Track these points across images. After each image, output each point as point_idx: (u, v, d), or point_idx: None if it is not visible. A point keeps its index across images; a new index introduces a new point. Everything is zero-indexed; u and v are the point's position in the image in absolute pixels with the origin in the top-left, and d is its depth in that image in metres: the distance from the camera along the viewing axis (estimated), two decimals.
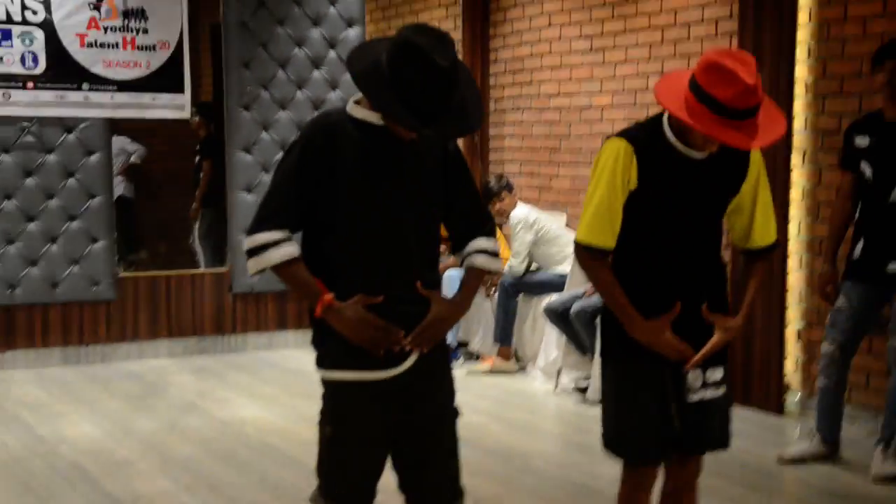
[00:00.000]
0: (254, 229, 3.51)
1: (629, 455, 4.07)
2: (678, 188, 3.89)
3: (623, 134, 3.93)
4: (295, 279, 3.54)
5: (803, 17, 7.62)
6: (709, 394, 4.01)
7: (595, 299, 8.00)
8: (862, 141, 6.39)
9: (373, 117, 3.51)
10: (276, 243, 3.45)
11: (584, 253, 3.91)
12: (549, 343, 8.55)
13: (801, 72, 7.63)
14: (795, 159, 7.61)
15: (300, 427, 7.30)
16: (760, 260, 4.11)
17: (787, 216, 7.27)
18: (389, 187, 3.55)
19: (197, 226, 11.79)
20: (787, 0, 7.59)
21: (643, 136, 3.90)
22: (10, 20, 8.75)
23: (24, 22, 8.79)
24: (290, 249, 3.46)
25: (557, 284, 8.75)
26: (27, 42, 8.83)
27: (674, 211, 3.93)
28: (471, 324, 9.72)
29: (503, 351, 9.09)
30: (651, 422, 3.96)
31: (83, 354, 9.29)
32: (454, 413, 3.82)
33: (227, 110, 9.75)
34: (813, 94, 7.62)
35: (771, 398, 7.71)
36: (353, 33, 10.03)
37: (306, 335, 9.08)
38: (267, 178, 9.35)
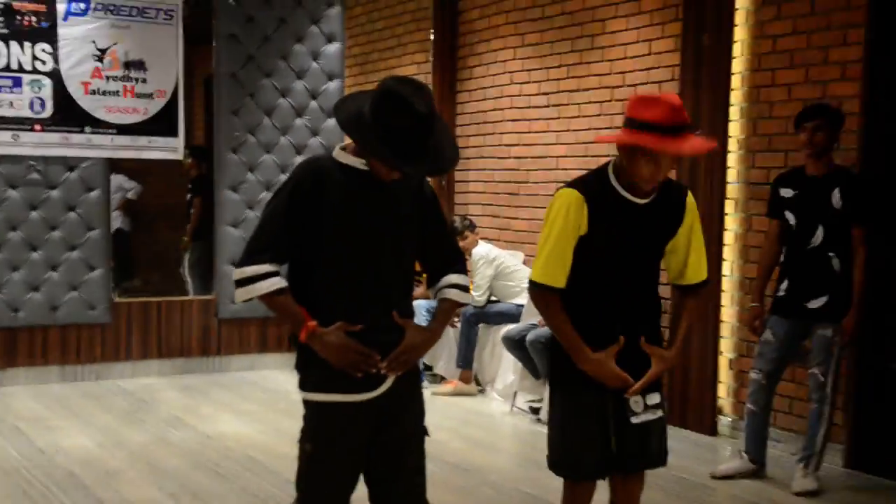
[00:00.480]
0: (244, 262, 3.51)
1: (573, 474, 4.08)
2: (623, 231, 3.92)
3: (574, 184, 3.96)
4: (281, 308, 3.52)
5: (736, 81, 7.77)
6: (648, 416, 4.01)
7: (548, 329, 8.07)
8: (786, 192, 6.53)
9: (357, 162, 3.53)
10: (264, 275, 3.45)
11: (537, 291, 3.95)
12: (506, 368, 8.62)
13: (735, 130, 7.77)
14: (728, 208, 7.75)
15: (279, 441, 7.35)
16: (692, 295, 4.16)
17: (720, 258, 7.40)
18: (370, 226, 3.57)
19: (187, 257, 11.78)
20: (723, 66, 7.73)
21: (592, 185, 3.93)
22: (21, 69, 8.82)
23: (35, 71, 8.87)
24: (277, 280, 3.46)
25: (514, 315, 8.79)
26: (36, 89, 8.89)
27: (619, 251, 3.95)
28: (436, 349, 9.36)
29: (464, 375, 9.09)
30: (594, 444, 3.97)
31: (79, 373, 9.29)
32: (422, 433, 3.81)
33: (217, 153, 9.80)
34: (745, 150, 7.74)
35: (705, 421, 7.74)
36: (333, 86, 10.11)
37: (285, 357, 9.30)
38: (252, 215, 9.77)
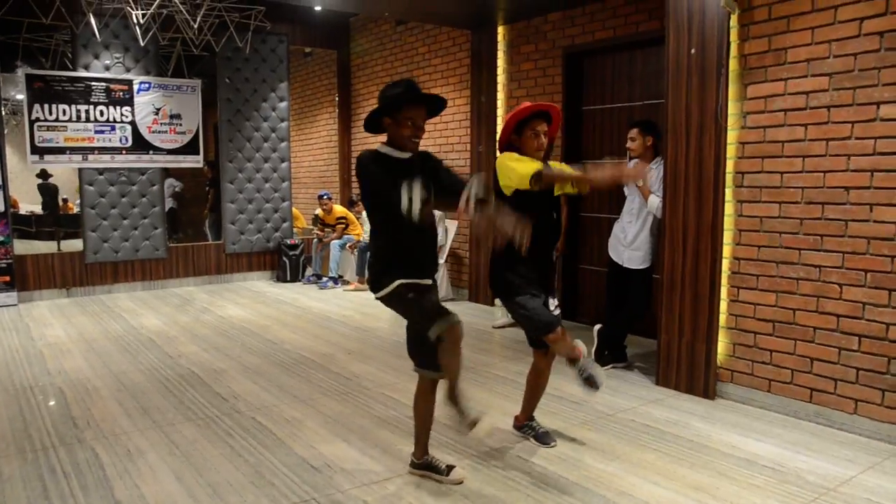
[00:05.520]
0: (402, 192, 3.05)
1: (554, 326, 3.59)
2: (536, 198, 3.58)
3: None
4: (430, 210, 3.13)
5: (499, 119, 7.73)
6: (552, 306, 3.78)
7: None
8: None
9: (388, 151, 3.18)
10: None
11: (535, 177, 3.44)
12: None
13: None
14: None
15: (259, 318, 7.49)
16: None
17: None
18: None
19: (207, 221, 11.71)
20: (492, 111, 7.79)
21: None
22: (114, 120, 8.74)
23: (122, 121, 8.81)
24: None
25: None
26: (123, 131, 8.83)
27: (533, 211, 3.45)
28: (345, 266, 9.60)
29: (360, 280, 9.08)
30: (547, 312, 3.64)
31: (152, 285, 9.31)
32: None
33: (221, 163, 9.77)
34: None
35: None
36: (283, 125, 9.97)
37: (264, 274, 9.45)
38: (241, 197, 9.77)
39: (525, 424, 4.12)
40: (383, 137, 3.29)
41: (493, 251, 3.71)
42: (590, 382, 3.65)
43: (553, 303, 3.77)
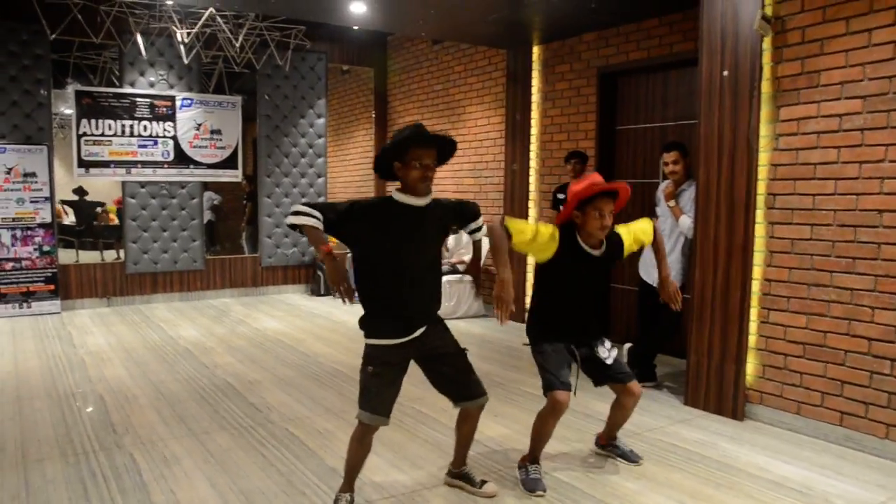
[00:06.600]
0: (305, 205, 3.00)
1: (559, 386, 3.45)
2: (581, 271, 3.53)
3: (560, 225, 3.51)
4: (315, 236, 2.97)
5: (534, 138, 7.82)
6: (613, 354, 3.65)
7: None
8: (561, 196, 6.56)
9: (403, 198, 3.07)
10: (312, 216, 2.95)
11: (507, 230, 3.33)
12: None
13: (533, 163, 7.79)
14: (532, 209, 7.83)
15: (295, 331, 7.57)
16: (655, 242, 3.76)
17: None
18: (410, 238, 3.07)
19: (244, 235, 11.92)
20: (526, 129, 7.87)
21: (566, 235, 3.48)
22: (157, 135, 8.93)
23: (164, 136, 8.99)
24: (317, 223, 2.96)
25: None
26: (165, 145, 9.02)
27: (573, 281, 3.54)
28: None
29: None
30: (566, 368, 3.53)
31: (189, 296, 9.49)
32: (462, 351, 3.33)
33: (259, 178, 9.87)
34: (537, 173, 7.80)
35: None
36: (320, 141, 10.07)
37: (299, 288, 9.44)
38: (278, 212, 9.90)
39: (608, 444, 4.11)
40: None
41: (533, 299, 3.66)
42: (529, 486, 3.62)
43: (605, 348, 3.64)
